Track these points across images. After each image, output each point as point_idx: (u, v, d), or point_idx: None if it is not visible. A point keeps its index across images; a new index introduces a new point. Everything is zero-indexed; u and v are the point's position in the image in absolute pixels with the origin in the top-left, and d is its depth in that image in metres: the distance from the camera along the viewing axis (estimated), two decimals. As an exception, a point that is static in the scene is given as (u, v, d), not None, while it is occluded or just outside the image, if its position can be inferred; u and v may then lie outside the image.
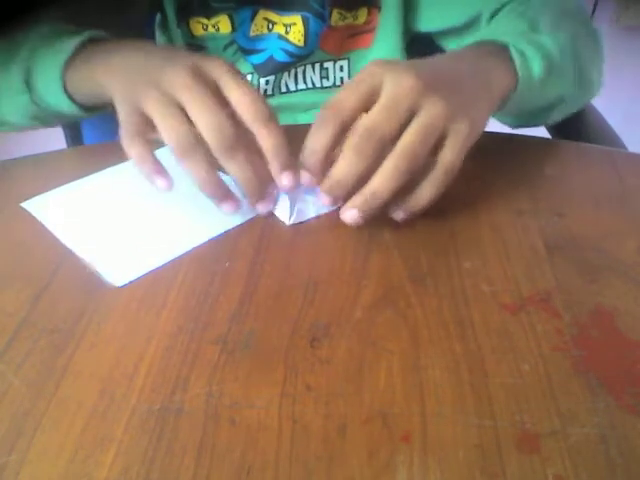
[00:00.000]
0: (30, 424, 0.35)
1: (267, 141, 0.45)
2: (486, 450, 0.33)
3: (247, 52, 0.71)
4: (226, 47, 0.71)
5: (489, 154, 0.57)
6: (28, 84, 0.57)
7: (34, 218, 0.51)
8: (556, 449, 0.33)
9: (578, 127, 0.70)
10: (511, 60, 0.51)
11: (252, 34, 0.70)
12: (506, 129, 0.60)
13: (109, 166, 0.57)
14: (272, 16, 0.69)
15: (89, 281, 0.45)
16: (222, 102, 0.45)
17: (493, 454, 0.33)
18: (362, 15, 0.70)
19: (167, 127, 0.45)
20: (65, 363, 0.39)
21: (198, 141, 0.44)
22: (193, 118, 0.44)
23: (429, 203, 0.45)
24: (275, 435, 0.34)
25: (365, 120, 0.43)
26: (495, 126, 0.64)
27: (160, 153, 0.48)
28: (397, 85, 0.43)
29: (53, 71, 0.55)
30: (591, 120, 0.71)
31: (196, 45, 0.72)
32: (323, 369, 0.38)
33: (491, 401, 0.36)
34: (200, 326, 0.41)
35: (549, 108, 0.60)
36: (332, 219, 0.49)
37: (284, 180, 0.46)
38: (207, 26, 0.69)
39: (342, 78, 0.73)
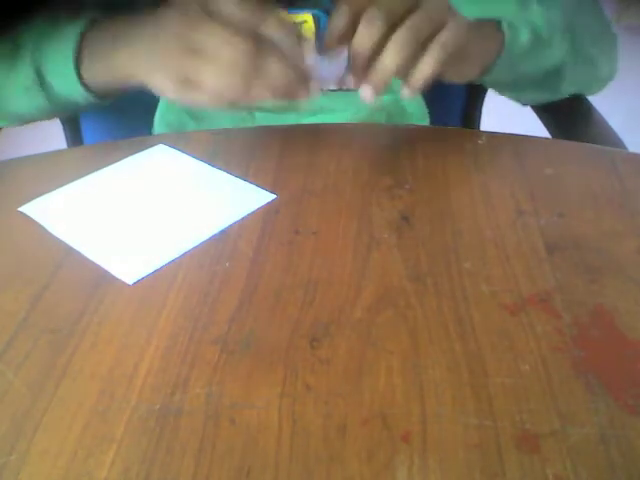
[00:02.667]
0: (30, 424, 0.35)
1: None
2: (486, 450, 0.33)
3: None
4: None
5: (489, 154, 0.57)
6: (41, 84, 0.58)
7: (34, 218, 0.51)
8: (556, 449, 0.33)
9: (578, 127, 0.70)
10: (501, 31, 0.57)
11: None
12: (506, 129, 0.60)
13: (109, 166, 0.57)
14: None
15: (89, 281, 0.45)
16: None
17: (493, 454, 0.33)
18: None
19: (227, 58, 0.47)
20: (65, 363, 0.39)
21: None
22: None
23: (428, 76, 0.49)
24: (275, 435, 0.34)
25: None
26: (495, 126, 0.64)
27: (155, 151, 0.47)
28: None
29: (66, 66, 0.56)
30: (591, 120, 0.71)
31: None
32: (323, 369, 0.38)
33: (491, 401, 0.35)
34: (200, 326, 0.41)
35: (548, 77, 0.63)
36: (333, 220, 0.49)
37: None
38: None
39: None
